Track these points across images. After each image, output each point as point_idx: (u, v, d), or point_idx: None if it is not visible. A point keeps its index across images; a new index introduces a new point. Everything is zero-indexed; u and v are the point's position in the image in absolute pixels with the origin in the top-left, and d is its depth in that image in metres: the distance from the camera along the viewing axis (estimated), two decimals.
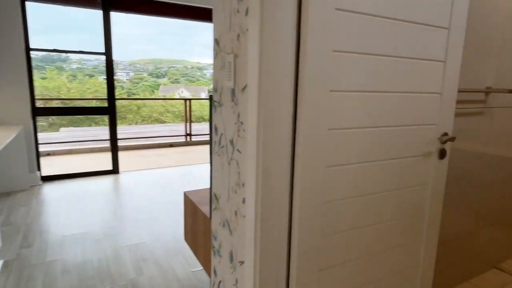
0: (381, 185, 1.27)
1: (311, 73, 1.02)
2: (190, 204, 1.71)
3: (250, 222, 1.09)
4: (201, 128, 7.79)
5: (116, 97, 4.27)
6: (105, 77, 4.18)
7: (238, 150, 1.16)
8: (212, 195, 1.42)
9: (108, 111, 4.30)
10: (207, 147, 6.47)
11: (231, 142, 1.20)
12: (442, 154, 1.38)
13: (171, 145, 6.67)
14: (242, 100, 1.10)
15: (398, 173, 1.30)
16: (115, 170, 4.45)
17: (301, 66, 1.02)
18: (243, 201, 1.14)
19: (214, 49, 1.29)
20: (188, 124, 6.87)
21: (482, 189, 1.95)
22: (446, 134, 1.37)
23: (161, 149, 6.40)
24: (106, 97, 4.25)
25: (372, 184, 1.24)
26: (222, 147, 1.28)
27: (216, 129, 1.33)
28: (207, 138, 7.14)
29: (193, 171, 4.72)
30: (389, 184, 1.28)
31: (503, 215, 2.15)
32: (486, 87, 1.78)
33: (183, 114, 7.08)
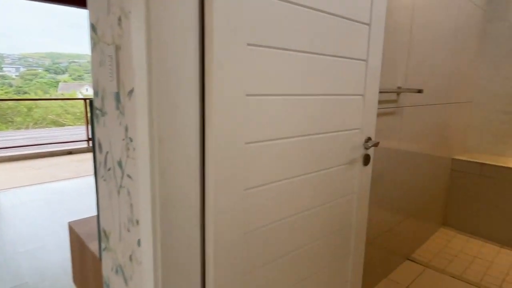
0: (308, 202, 1.10)
1: (221, 71, 0.78)
2: (76, 239, 1.33)
3: (148, 270, 0.81)
4: None
5: None
6: None
7: (128, 176, 0.86)
8: (100, 231, 1.08)
9: None
10: None
11: (119, 164, 0.89)
12: (366, 160, 1.29)
13: (69, 152, 5.79)
14: (130, 108, 0.81)
15: (325, 185, 1.15)
16: None
17: (207, 61, 0.78)
18: (139, 243, 0.85)
19: (91, 38, 0.95)
20: (90, 127, 6.04)
21: (395, 185, 1.98)
22: (369, 138, 1.28)
23: (57, 158, 5.49)
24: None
25: (298, 202, 1.07)
26: (108, 169, 0.96)
27: (100, 145, 1.00)
28: None
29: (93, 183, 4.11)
30: (316, 199, 1.13)
31: (413, 208, 2.25)
32: (397, 87, 1.78)
33: (84, 115, 6.21)
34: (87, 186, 3.95)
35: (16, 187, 3.83)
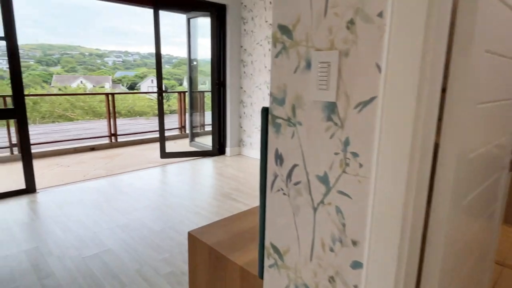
0: None
1: (461, 80, 0.71)
2: (204, 251, 1.25)
3: None
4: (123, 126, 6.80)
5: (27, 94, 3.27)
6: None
7: (341, 192, 0.79)
8: (265, 247, 1.01)
9: (15, 113, 3.29)
10: (136, 148, 5.64)
11: (324, 179, 0.82)
12: None
13: (92, 148, 5.63)
14: (356, 120, 0.73)
15: None
16: (29, 189, 3.45)
17: (452, 70, 0.71)
18: (353, 265, 0.79)
19: (277, 41, 0.86)
20: (112, 122, 5.87)
21: None
22: None
23: (81, 154, 5.33)
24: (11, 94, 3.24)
25: None
26: (296, 183, 0.89)
27: (280, 157, 0.92)
28: (134, 138, 6.27)
29: (131, 181, 3.99)
30: None
31: None
32: None
33: (106, 110, 6.03)
34: (124, 184, 3.84)
35: (53, 186, 3.70)
